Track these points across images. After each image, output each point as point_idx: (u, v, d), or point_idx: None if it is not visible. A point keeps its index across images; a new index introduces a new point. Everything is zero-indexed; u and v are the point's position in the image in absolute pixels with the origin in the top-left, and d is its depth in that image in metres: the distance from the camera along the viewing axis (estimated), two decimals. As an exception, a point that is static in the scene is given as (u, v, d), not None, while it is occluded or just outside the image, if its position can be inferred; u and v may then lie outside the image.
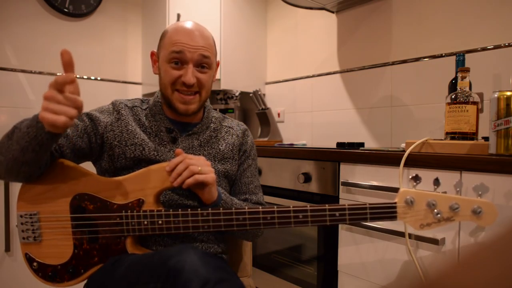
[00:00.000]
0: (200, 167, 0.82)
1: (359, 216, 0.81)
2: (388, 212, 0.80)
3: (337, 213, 0.81)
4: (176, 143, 0.97)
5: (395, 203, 0.80)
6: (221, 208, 0.83)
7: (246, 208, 0.83)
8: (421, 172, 1.09)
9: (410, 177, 0.83)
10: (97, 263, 0.85)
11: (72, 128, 0.91)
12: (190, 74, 0.91)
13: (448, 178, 1.03)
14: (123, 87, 2.59)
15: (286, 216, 0.82)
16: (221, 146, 1.02)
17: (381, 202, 0.81)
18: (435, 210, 0.78)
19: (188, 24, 0.95)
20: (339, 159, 1.35)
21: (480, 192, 0.78)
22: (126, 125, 0.95)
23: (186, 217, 0.82)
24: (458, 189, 0.80)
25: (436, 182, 0.81)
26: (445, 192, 0.83)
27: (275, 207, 0.83)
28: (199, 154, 0.98)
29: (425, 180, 0.99)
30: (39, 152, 0.78)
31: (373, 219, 0.81)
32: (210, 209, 0.83)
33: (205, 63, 0.94)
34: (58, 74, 2.29)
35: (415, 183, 0.82)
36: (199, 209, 0.83)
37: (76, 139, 0.91)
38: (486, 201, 0.77)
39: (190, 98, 0.94)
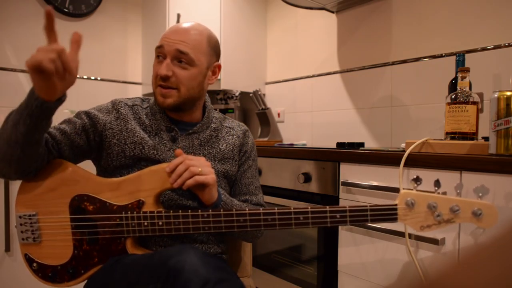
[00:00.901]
0: (201, 168, 0.81)
1: (359, 218, 0.80)
2: (389, 214, 0.80)
3: (337, 215, 0.80)
4: (176, 142, 0.97)
5: (396, 205, 0.80)
6: (221, 209, 0.83)
7: (247, 209, 0.82)
8: (421, 172, 1.09)
9: (411, 178, 0.83)
10: (97, 263, 0.85)
11: (70, 126, 0.92)
12: (163, 66, 0.91)
13: (448, 178, 1.03)
14: (123, 87, 2.59)
15: (287, 218, 0.81)
16: (222, 146, 1.01)
17: (382, 204, 0.81)
18: (436, 212, 0.78)
19: (185, 24, 0.96)
20: (339, 159, 1.35)
21: (480, 194, 0.77)
22: (126, 123, 0.95)
23: (186, 218, 0.82)
24: (458, 191, 0.80)
25: (437, 183, 0.80)
26: (445, 193, 0.83)
27: (276, 208, 0.83)
28: (199, 154, 0.98)
29: (425, 180, 0.99)
30: (30, 125, 0.75)
31: (373, 220, 0.81)
32: (210, 210, 0.83)
33: (183, 58, 0.91)
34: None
35: (416, 185, 0.81)
36: (199, 210, 0.82)
37: (74, 136, 0.91)
38: (487, 203, 0.76)
39: (166, 91, 0.93)
